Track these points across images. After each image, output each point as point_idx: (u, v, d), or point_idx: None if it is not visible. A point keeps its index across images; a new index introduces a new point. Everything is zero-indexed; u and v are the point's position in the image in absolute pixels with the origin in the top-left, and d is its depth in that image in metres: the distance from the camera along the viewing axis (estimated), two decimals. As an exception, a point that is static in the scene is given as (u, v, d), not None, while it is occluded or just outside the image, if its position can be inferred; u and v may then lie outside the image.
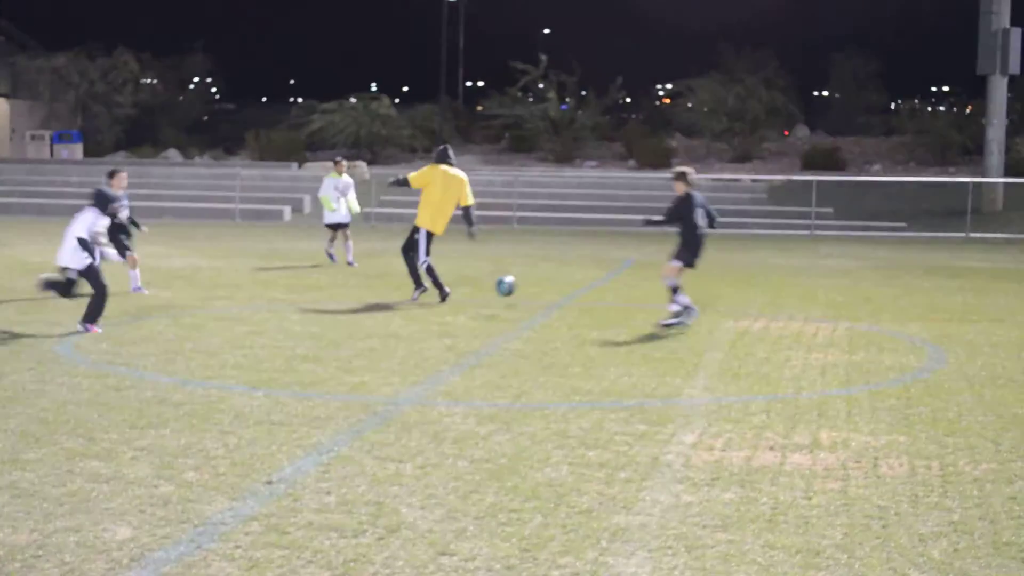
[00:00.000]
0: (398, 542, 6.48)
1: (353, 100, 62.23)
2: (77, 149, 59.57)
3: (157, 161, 56.58)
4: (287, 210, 41.19)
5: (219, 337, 13.61)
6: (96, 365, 11.74)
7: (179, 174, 48.45)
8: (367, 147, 59.00)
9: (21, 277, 19.76)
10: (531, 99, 63.61)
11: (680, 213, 15.24)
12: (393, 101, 63.87)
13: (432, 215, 17.40)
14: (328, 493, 7.35)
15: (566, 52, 63.53)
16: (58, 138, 60.27)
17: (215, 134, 69.91)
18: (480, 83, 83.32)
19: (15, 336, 13.43)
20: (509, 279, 16.82)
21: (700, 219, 15.21)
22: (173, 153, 61.00)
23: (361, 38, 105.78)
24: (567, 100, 62.55)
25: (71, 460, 8.03)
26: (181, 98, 72.90)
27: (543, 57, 62.66)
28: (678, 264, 15.23)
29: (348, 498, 7.25)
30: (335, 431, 9.05)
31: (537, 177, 49.12)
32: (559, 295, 19.03)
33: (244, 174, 44.37)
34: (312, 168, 50.13)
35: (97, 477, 7.63)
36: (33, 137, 61.75)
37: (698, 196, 15.37)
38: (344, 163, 25.02)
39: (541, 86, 62.78)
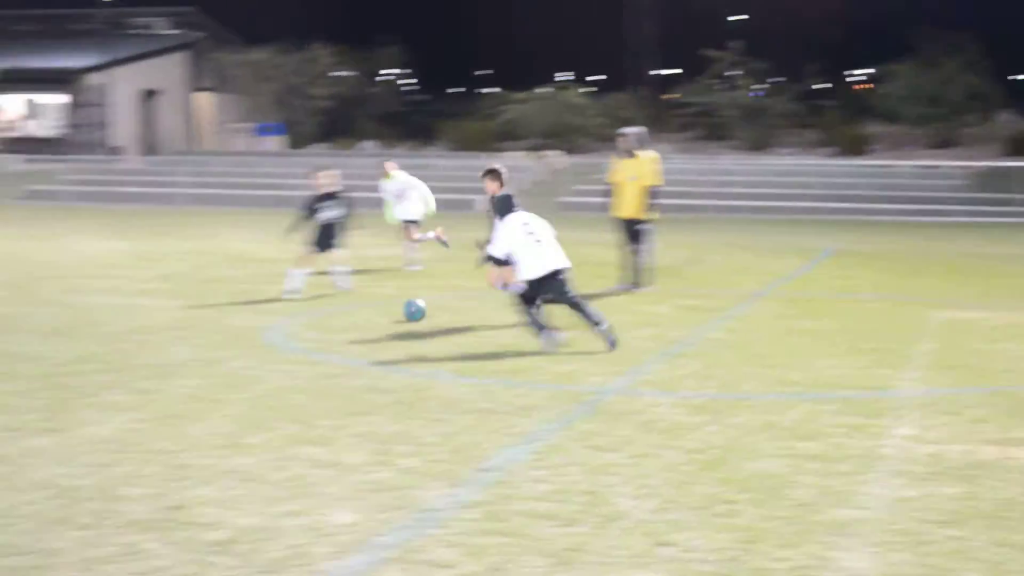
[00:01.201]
0: (615, 531, 6.49)
1: (545, 89, 62.42)
2: (279, 141, 60.97)
3: (354, 152, 57.55)
4: (479, 200, 41.53)
5: (425, 325, 13.79)
6: (308, 353, 12.01)
7: (375, 165, 49.19)
8: (558, 136, 59.10)
9: (230, 267, 20.34)
10: (724, 87, 62.94)
11: None
12: (586, 90, 63.88)
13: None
14: (542, 481, 7.38)
15: (759, 38, 62.76)
16: (260, 130, 61.76)
17: (409, 125, 70.78)
18: (672, 71, 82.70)
19: (228, 325, 13.82)
20: (420, 303, 14.45)
21: None
22: (368, 144, 61.95)
23: (553, 28, 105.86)
24: (759, 87, 61.76)
25: (290, 446, 8.23)
26: (375, 90, 73.97)
27: (736, 44, 62.01)
28: None
29: (562, 487, 7.28)
30: (544, 420, 9.09)
31: (731, 165, 48.66)
32: (759, 284, 18.83)
33: (438, 164, 44.89)
34: (507, 158, 50.47)
35: (316, 462, 7.80)
36: (236, 130, 63.43)
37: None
38: (392, 165, 23.16)
39: (733, 73, 62.10)
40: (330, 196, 17.02)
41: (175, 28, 68.87)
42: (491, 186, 13.58)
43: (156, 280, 18.36)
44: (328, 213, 16.93)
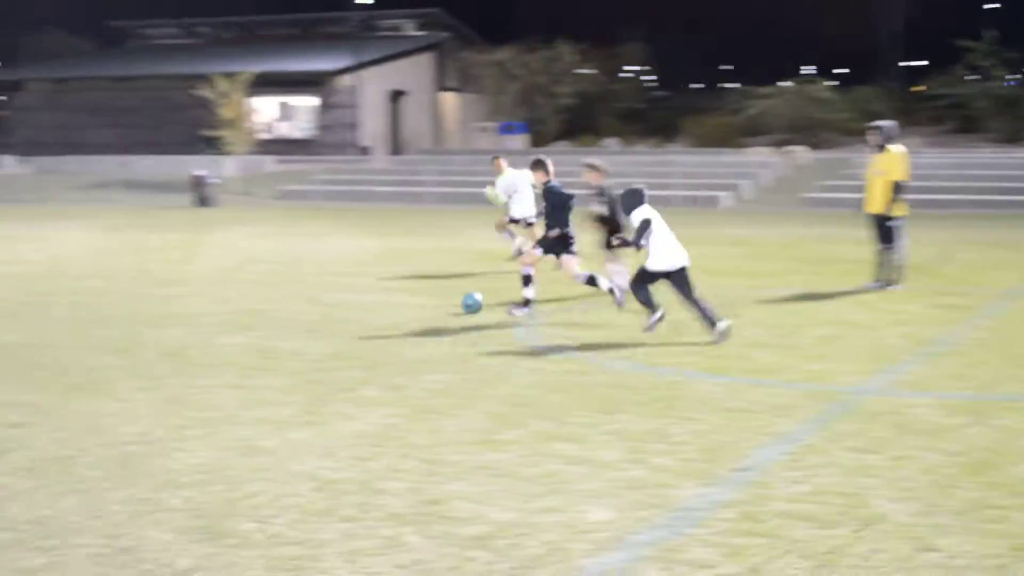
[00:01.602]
0: (876, 535, 6.34)
1: (789, 84, 61.52)
2: (522, 139, 61.55)
3: (596, 149, 57.72)
4: (724, 196, 41.15)
5: (673, 323, 13.72)
6: (556, 350, 12.08)
7: (619, 162, 49.28)
8: (803, 131, 58.15)
9: (477, 264, 20.60)
10: (977, 77, 60.91)
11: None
12: (831, 84, 62.72)
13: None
14: (799, 482, 7.26)
15: (1013, 25, 60.52)
16: (504, 129, 62.46)
17: (650, 122, 70.60)
18: (920, 62, 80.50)
19: (478, 321, 13.99)
20: (478, 296, 14.77)
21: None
22: (611, 141, 62.02)
23: (797, 21, 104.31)
24: (1014, 76, 59.57)
25: (543, 442, 8.28)
26: (617, 87, 74.01)
27: (990, 33, 59.96)
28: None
29: (820, 488, 7.14)
30: (799, 420, 8.94)
31: (986, 159, 47.04)
32: (1017, 281, 18.15)
33: (681, 160, 44.68)
34: (750, 154, 49.96)
35: (570, 459, 7.84)
36: (481, 129, 64.30)
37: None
38: (501, 161, 22.00)
39: (987, 63, 60.06)
40: (600, 192, 16.21)
41: (421, 29, 70.22)
42: (539, 176, 15.04)
43: (406, 278, 18.72)
44: (594, 208, 16.30)
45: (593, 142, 61.27)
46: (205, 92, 51.03)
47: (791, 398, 9.70)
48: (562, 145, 60.81)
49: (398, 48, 65.32)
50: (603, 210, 15.95)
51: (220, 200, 42.42)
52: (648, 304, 12.86)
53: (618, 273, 15.76)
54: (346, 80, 59.29)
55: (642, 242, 12.74)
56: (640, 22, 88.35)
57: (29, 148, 62.33)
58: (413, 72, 65.22)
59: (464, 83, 68.00)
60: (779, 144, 54.51)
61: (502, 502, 6.92)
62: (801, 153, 48.15)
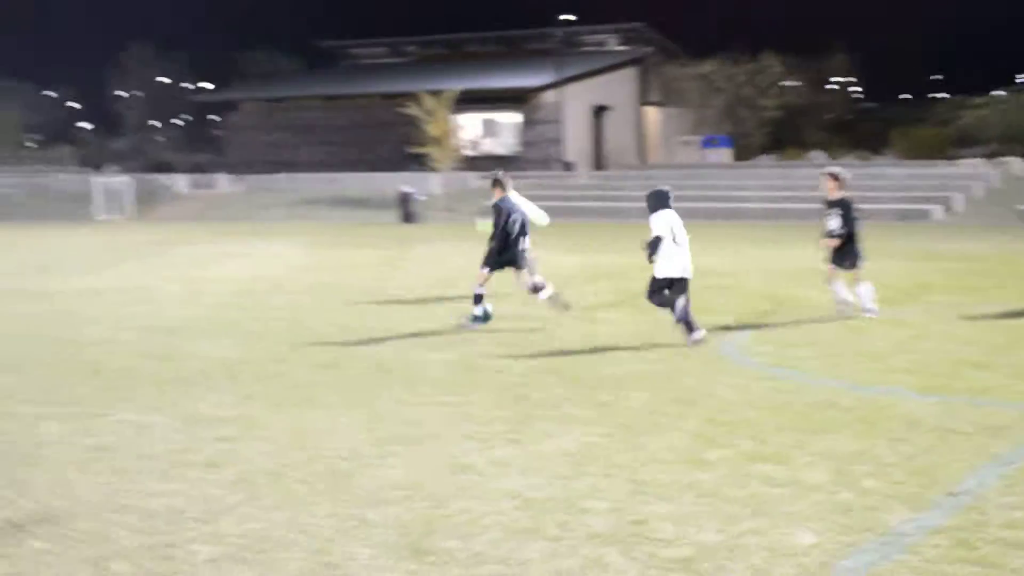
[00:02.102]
0: (1099, 566, 6.06)
1: (1003, 93, 59.79)
2: (725, 153, 61.05)
3: (801, 163, 56.91)
4: (936, 209, 40.13)
5: (882, 340, 13.42)
6: (761, 367, 11.91)
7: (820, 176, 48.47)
8: (1018, 142, 56.39)
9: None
10: None
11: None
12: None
13: None
14: (1016, 508, 6.99)
15: None
16: (707, 142, 62.04)
17: (857, 134, 69.36)
18: None
19: (681, 339, 13.87)
20: (488, 306, 15.16)
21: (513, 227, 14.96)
22: (817, 154, 61.12)
23: (1009, 29, 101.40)
24: None
25: (748, 463, 8.15)
26: (824, 99, 72.92)
27: None
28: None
29: (1038, 515, 6.88)
30: (1015, 441, 8.62)
31: None
32: None
33: (889, 173, 43.74)
34: (962, 166, 48.66)
35: (774, 481, 7.69)
36: (683, 142, 63.99)
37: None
38: (499, 186, 20.46)
39: None
40: (837, 203, 15.32)
41: (625, 44, 70.24)
42: (495, 193, 15.29)
43: (610, 293, 18.71)
44: (830, 222, 15.32)
45: (798, 155, 60.46)
46: (412, 110, 51.85)
47: (1007, 418, 9.37)
48: (767, 159, 60.08)
49: (601, 63, 65.40)
50: (836, 225, 15.19)
51: (425, 216, 43.02)
52: (665, 305, 13.44)
53: (857, 293, 15.34)
54: (550, 96, 59.59)
55: (653, 257, 13.29)
56: (847, 33, 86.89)
57: (241, 167, 64.20)
58: (616, 87, 65.23)
59: (667, 97, 67.74)
60: (992, 155, 52.93)
61: (706, 524, 6.82)
62: (1015, 164, 46.66)
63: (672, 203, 13.36)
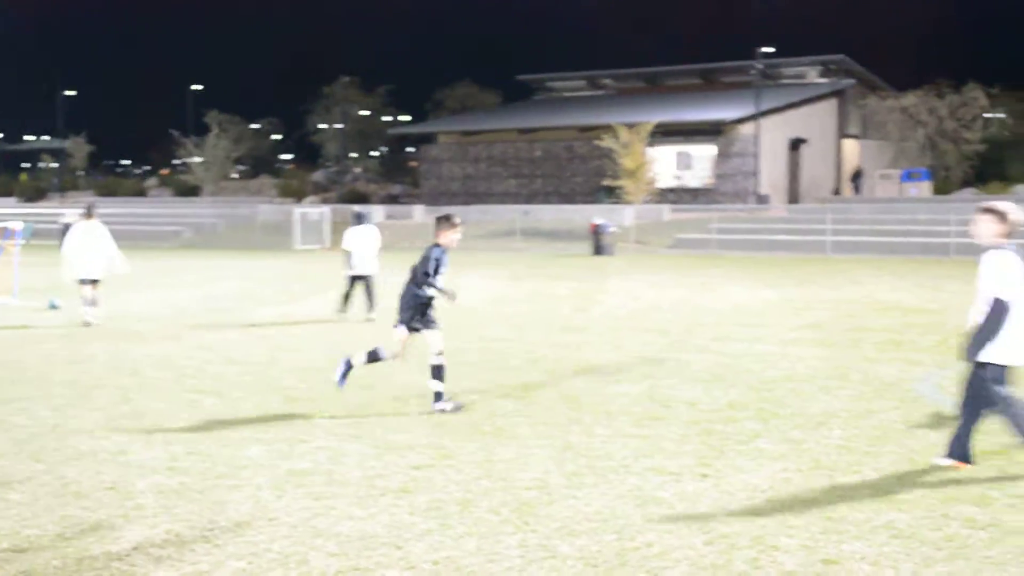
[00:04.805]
0: None
1: None
2: (925, 187, 59.79)
3: (1006, 196, 55.40)
4: None
5: None
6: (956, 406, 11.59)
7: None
8: None
9: (878, 316, 20.09)
10: None
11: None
12: None
13: None
14: None
15: None
16: (907, 176, 60.85)
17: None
18: None
19: (877, 375, 13.63)
20: (58, 301, 14.44)
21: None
22: (1022, 189, 59.42)
23: None
24: None
25: (946, 503, 7.95)
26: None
27: None
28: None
29: None
30: None
31: None
32: None
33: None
34: None
35: (974, 523, 7.49)
36: (882, 176, 62.90)
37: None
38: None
39: None
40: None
41: (824, 76, 69.46)
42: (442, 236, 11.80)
43: (803, 328, 18.46)
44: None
45: (1002, 189, 58.84)
46: (607, 142, 52.02)
47: None
48: (968, 192, 58.64)
49: (800, 95, 64.83)
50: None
51: (617, 248, 43.08)
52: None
53: None
54: (746, 128, 59.21)
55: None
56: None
57: (436, 198, 65.23)
58: (814, 120, 64.55)
59: (866, 130, 66.70)
60: None
61: (901, 565, 6.68)
62: None
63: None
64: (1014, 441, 9.28)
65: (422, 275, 11.57)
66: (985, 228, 8.98)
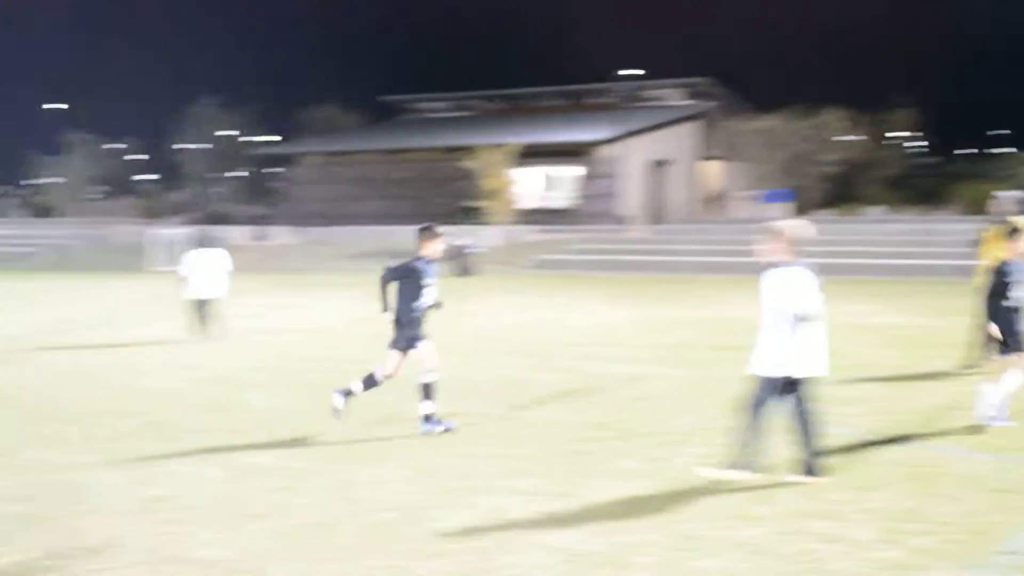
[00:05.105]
0: None
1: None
2: (786, 208, 60.76)
3: (857, 217, 56.65)
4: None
5: (933, 398, 13.30)
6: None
7: (881, 231, 48.25)
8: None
9: (736, 335, 20.39)
10: None
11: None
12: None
13: None
14: (1070, 569, 6.92)
15: None
16: (770, 197, 61.81)
17: (916, 189, 69.05)
18: None
19: (735, 394, 13.81)
20: None
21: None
22: (875, 210, 60.81)
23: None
24: None
25: (798, 519, 8.10)
26: (882, 154, 72.64)
27: None
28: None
29: (1091, 576, 6.79)
30: (1071, 502, 8.53)
31: None
32: None
33: (948, 229, 43.46)
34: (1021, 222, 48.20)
35: (825, 537, 7.64)
36: (743, 197, 63.79)
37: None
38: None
39: None
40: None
41: (689, 99, 70.38)
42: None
43: (662, 348, 18.66)
44: (1017, 292, 11.67)
45: (856, 211, 60.18)
46: (471, 163, 52.11)
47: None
48: (824, 214, 59.81)
49: (664, 117, 65.53)
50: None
51: (481, 269, 43.16)
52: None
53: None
54: (610, 150, 59.72)
55: None
56: (907, 86, 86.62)
57: (300, 219, 64.68)
58: (676, 141, 65.32)
59: (729, 151, 67.69)
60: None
61: (755, 581, 6.79)
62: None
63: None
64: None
65: (415, 290, 11.58)
66: (768, 247, 9.58)
